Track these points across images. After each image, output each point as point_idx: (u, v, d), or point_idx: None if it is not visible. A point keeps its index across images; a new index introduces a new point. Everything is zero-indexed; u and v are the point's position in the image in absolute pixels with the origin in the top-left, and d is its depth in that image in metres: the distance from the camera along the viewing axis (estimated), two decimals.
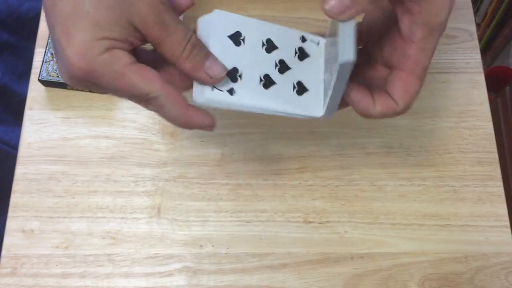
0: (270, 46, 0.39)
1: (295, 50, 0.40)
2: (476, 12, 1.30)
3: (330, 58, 0.38)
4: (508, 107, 1.05)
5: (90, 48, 0.32)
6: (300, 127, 0.56)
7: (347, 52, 0.33)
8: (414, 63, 0.37)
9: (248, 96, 0.37)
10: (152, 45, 0.35)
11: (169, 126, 0.55)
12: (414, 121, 0.56)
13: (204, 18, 0.38)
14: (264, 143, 0.55)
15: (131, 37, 0.33)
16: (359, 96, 0.38)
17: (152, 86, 0.34)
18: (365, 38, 0.41)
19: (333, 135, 0.56)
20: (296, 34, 0.40)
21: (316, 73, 0.40)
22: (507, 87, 1.07)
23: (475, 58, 0.59)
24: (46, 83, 0.56)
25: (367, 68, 0.41)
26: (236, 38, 0.38)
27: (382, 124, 0.56)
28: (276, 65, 0.39)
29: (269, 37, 0.39)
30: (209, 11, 0.38)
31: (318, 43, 0.41)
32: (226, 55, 0.36)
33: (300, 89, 0.39)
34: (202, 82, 0.36)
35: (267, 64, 0.39)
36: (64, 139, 0.55)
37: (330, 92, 0.37)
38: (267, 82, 0.38)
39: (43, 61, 0.56)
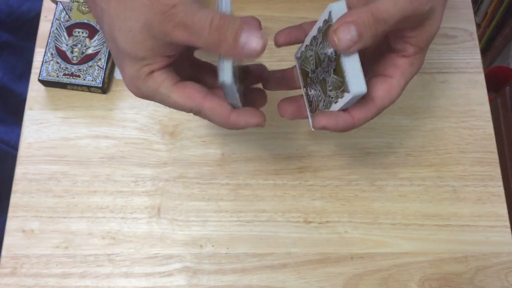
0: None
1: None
2: (476, 12, 1.30)
3: (322, 78, 0.40)
4: (508, 107, 1.05)
5: (136, 79, 0.36)
6: (300, 127, 0.56)
7: (359, 84, 0.35)
8: (401, 73, 0.39)
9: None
10: (186, 45, 0.35)
11: (169, 126, 0.55)
12: (414, 121, 0.56)
13: None
14: (264, 143, 0.55)
15: (164, 51, 0.35)
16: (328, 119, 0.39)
17: (193, 103, 0.37)
18: None
19: (333, 135, 0.56)
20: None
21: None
22: (507, 87, 1.07)
23: (475, 58, 0.59)
24: (46, 83, 0.56)
25: None
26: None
27: (382, 124, 0.56)
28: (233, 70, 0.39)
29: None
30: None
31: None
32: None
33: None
34: (244, 58, 0.34)
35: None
36: (64, 139, 0.55)
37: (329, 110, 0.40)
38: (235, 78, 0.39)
39: (43, 61, 0.56)
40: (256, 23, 0.40)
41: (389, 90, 0.39)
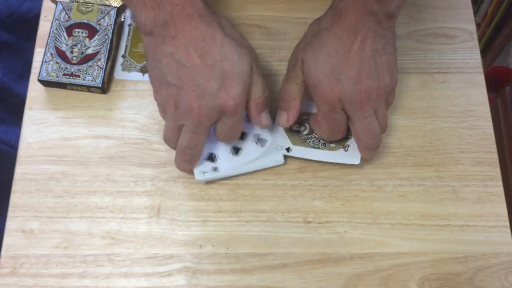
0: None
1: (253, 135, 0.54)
2: (476, 12, 1.30)
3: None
4: (508, 107, 1.05)
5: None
6: None
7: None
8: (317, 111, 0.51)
9: (228, 166, 0.52)
10: None
11: None
12: (414, 121, 0.56)
13: None
14: None
15: None
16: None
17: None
18: None
19: None
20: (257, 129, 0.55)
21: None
22: (507, 87, 1.07)
23: (475, 58, 0.59)
24: (45, 83, 0.56)
25: None
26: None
27: None
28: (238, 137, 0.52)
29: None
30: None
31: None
32: (206, 147, 0.52)
33: (261, 141, 0.53)
34: (255, 123, 0.51)
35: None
36: (64, 139, 0.55)
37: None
38: (235, 150, 0.53)
39: (42, 61, 0.56)
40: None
41: (312, 123, 0.54)
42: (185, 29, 0.44)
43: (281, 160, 0.53)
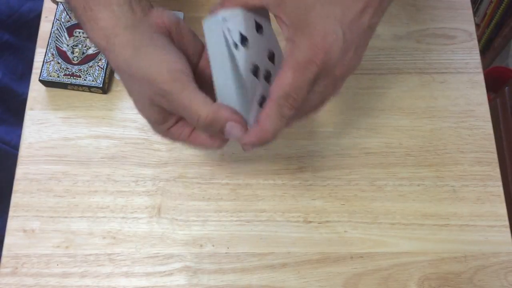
0: (271, 57, 0.43)
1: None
2: (475, 12, 1.30)
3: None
4: (507, 107, 1.05)
5: (158, 132, 0.44)
6: (300, 127, 0.56)
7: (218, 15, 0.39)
8: (289, 57, 0.37)
9: (241, 61, 0.39)
10: None
11: None
12: (413, 121, 0.56)
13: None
14: None
15: (172, 112, 0.41)
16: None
17: (205, 148, 0.44)
18: None
19: (333, 135, 0.56)
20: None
21: None
22: (506, 87, 1.08)
23: (474, 58, 0.59)
24: (46, 83, 0.56)
25: None
26: (258, 27, 0.41)
27: (381, 124, 0.56)
28: (265, 72, 0.41)
29: (274, 52, 0.43)
30: (209, 11, 0.39)
31: None
32: (244, 25, 0.39)
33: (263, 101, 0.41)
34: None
35: (263, 63, 0.41)
36: (65, 139, 0.55)
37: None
38: (254, 70, 0.40)
39: (43, 61, 0.56)
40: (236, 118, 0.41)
41: (278, 79, 0.37)
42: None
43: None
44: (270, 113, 0.38)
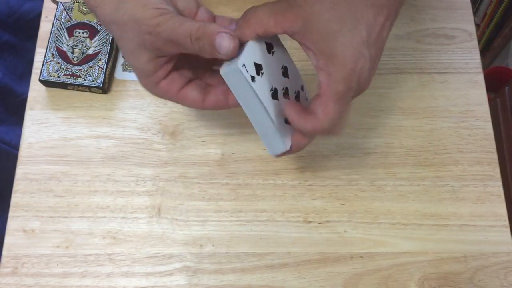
0: (285, 72, 0.44)
1: (296, 90, 0.45)
2: (475, 12, 1.30)
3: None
4: (507, 107, 1.05)
5: (148, 85, 0.43)
6: None
7: (239, 61, 0.39)
8: (326, 88, 0.39)
9: (261, 91, 0.40)
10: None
11: (170, 126, 0.56)
12: (413, 121, 0.56)
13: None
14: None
15: (162, 61, 0.41)
16: (292, 113, 0.41)
17: (194, 106, 0.44)
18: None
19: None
20: (300, 79, 0.46)
21: None
22: (506, 87, 1.08)
23: (474, 58, 0.59)
24: (46, 83, 0.56)
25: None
26: (269, 48, 0.42)
27: (381, 124, 0.56)
28: (283, 89, 0.43)
29: (287, 66, 0.44)
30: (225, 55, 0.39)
31: (306, 99, 0.46)
32: (257, 54, 0.40)
33: (287, 121, 0.42)
34: (221, 57, 0.39)
35: (279, 82, 0.43)
36: (65, 139, 0.55)
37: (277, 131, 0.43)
38: (274, 94, 0.42)
39: (43, 61, 0.56)
40: (227, 22, 0.43)
41: (323, 110, 0.39)
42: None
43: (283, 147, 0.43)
44: (332, 111, 0.40)
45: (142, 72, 0.42)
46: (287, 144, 0.43)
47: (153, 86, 0.42)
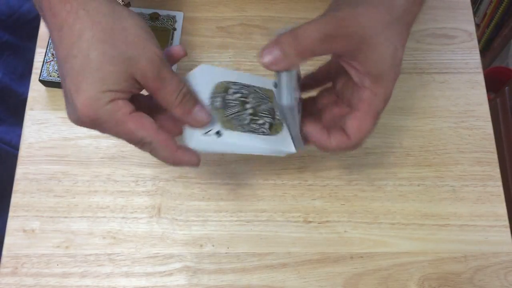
0: (243, 98, 0.44)
1: (265, 96, 0.45)
2: (475, 12, 1.30)
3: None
4: (507, 107, 1.05)
5: (96, 99, 0.37)
6: None
7: (285, 98, 0.37)
8: (368, 106, 0.40)
9: (233, 137, 0.42)
10: (149, 93, 0.39)
11: None
12: (413, 121, 0.57)
13: (193, 73, 0.43)
14: None
15: (132, 88, 0.38)
16: (314, 132, 0.42)
17: (146, 133, 0.39)
18: (334, 79, 0.44)
19: None
20: (270, 81, 0.45)
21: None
22: (506, 87, 1.08)
23: (474, 58, 0.60)
24: (47, 83, 0.56)
25: (334, 106, 0.44)
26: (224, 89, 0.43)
27: (382, 124, 0.56)
28: (250, 114, 0.43)
29: (249, 84, 0.45)
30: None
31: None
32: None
33: (272, 128, 0.44)
34: (191, 126, 0.41)
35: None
36: (65, 139, 0.55)
37: (286, 130, 0.43)
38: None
39: (43, 61, 0.56)
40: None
41: (360, 126, 0.40)
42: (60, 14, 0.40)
43: (292, 148, 0.45)
44: (344, 147, 0.42)
45: (101, 83, 0.37)
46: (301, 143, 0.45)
47: (106, 101, 0.37)
